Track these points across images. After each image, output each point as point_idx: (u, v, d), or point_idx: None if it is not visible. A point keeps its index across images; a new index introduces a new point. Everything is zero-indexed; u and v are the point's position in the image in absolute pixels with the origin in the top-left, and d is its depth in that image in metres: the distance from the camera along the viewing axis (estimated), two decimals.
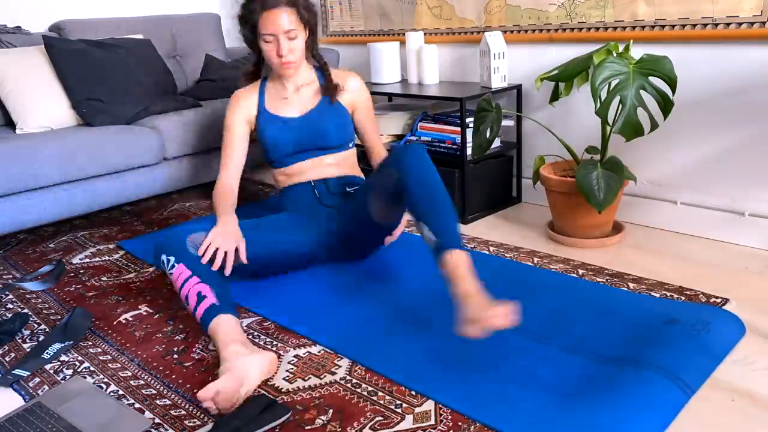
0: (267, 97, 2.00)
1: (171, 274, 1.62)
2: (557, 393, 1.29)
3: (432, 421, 1.24)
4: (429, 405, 1.29)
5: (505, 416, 1.23)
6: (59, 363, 1.55)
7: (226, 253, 1.67)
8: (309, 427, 1.25)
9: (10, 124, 2.45)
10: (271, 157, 2.00)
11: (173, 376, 1.46)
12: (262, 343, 1.58)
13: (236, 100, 2.00)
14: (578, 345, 1.46)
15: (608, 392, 1.27)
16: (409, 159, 1.61)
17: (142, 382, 1.45)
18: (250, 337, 1.61)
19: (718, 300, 1.63)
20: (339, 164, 2.01)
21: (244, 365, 1.36)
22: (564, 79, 2.04)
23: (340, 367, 1.45)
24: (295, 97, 1.99)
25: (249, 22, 1.85)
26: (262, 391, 1.37)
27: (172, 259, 1.62)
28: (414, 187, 1.58)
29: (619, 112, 1.84)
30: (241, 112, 1.98)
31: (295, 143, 1.96)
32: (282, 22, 1.80)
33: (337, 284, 1.87)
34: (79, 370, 1.52)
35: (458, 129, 2.35)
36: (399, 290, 1.81)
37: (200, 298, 1.54)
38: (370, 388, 1.36)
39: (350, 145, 2.04)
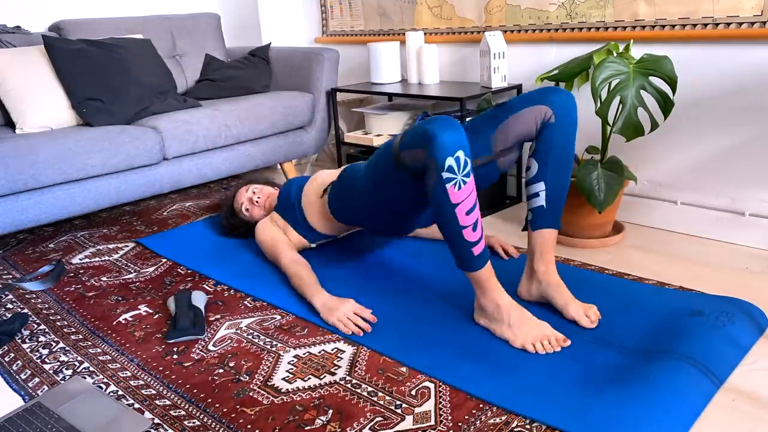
0: None
1: (462, 183, 1.41)
2: (586, 384, 1.31)
3: (432, 422, 1.24)
4: (429, 405, 1.29)
5: (535, 406, 1.25)
6: (59, 363, 1.55)
7: (358, 316, 1.64)
8: (309, 428, 1.25)
9: (10, 124, 2.45)
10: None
11: (173, 376, 1.46)
12: (261, 343, 1.58)
13: None
14: (605, 337, 1.48)
15: (637, 383, 1.28)
16: (566, 101, 1.57)
17: (141, 382, 1.45)
18: (250, 337, 1.61)
19: None
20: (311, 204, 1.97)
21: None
22: (564, 78, 2.04)
23: (339, 367, 1.45)
24: None
25: None
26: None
27: (469, 165, 1.43)
28: (559, 137, 1.57)
29: (619, 112, 1.84)
30: None
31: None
32: None
33: (346, 277, 1.88)
34: (78, 370, 1.52)
35: None
36: (416, 284, 1.82)
37: (482, 235, 1.48)
38: (370, 389, 1.36)
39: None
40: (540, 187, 1.60)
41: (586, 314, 1.55)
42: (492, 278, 1.51)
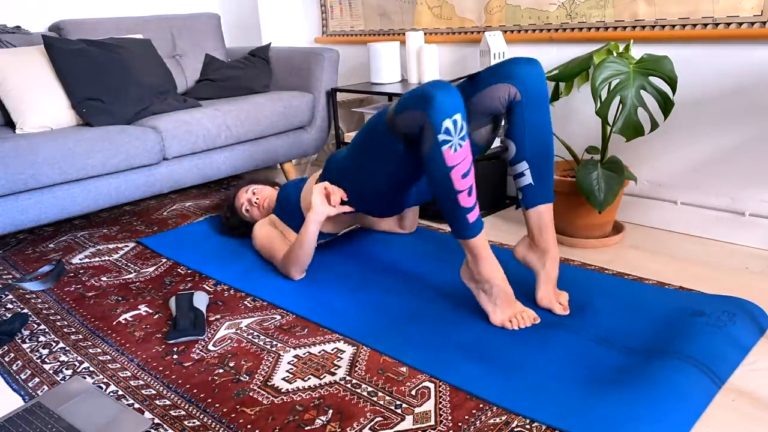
0: None
1: (459, 146, 1.43)
2: (587, 383, 1.31)
3: (432, 422, 1.24)
4: (429, 405, 1.29)
5: (535, 406, 1.25)
6: (59, 363, 1.55)
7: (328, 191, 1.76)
8: (309, 428, 1.25)
9: (10, 124, 2.45)
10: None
11: (173, 376, 1.46)
12: (261, 343, 1.58)
13: None
14: (606, 337, 1.48)
15: (639, 383, 1.28)
16: (529, 72, 1.53)
17: (141, 382, 1.45)
18: (250, 337, 1.61)
19: None
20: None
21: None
22: (564, 78, 2.04)
23: (339, 367, 1.45)
24: None
25: None
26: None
27: (465, 129, 1.44)
28: (529, 113, 1.55)
29: (619, 112, 1.84)
30: None
31: None
32: None
33: (346, 277, 1.89)
34: (78, 370, 1.52)
35: None
36: (418, 283, 1.82)
37: (476, 202, 1.48)
38: (370, 389, 1.36)
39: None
40: (523, 166, 1.60)
41: (558, 301, 1.61)
42: (486, 248, 1.53)
